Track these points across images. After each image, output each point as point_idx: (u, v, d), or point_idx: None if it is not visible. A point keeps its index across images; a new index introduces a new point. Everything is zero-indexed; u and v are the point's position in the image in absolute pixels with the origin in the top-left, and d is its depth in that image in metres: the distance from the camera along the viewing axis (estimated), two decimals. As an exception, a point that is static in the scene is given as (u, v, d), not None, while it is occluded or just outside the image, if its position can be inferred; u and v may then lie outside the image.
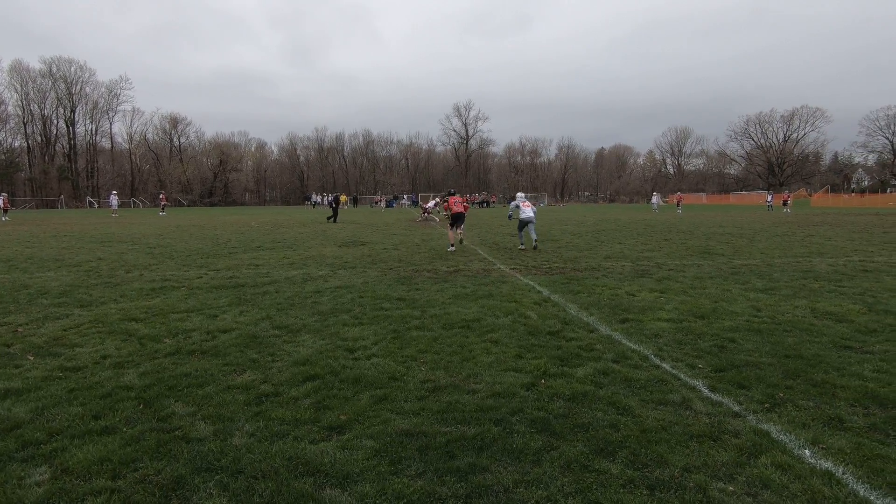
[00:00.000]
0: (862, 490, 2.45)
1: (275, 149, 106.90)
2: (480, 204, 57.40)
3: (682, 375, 3.99)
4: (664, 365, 4.23)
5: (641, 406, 3.41)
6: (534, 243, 12.78)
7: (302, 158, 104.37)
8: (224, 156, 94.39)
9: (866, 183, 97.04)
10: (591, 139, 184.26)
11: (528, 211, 13.05)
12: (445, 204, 15.70)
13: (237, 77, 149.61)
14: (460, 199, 14.22)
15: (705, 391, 3.68)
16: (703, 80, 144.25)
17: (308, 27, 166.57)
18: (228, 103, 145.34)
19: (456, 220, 13.30)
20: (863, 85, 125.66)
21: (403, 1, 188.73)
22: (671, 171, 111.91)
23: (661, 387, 3.76)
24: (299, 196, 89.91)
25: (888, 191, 74.04)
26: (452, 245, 13.00)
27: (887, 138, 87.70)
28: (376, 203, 60.18)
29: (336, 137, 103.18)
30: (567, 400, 3.53)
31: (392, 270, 9.48)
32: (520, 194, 13.84)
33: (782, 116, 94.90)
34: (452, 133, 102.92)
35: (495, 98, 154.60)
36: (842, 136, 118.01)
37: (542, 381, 3.89)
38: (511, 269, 9.74)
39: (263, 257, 11.50)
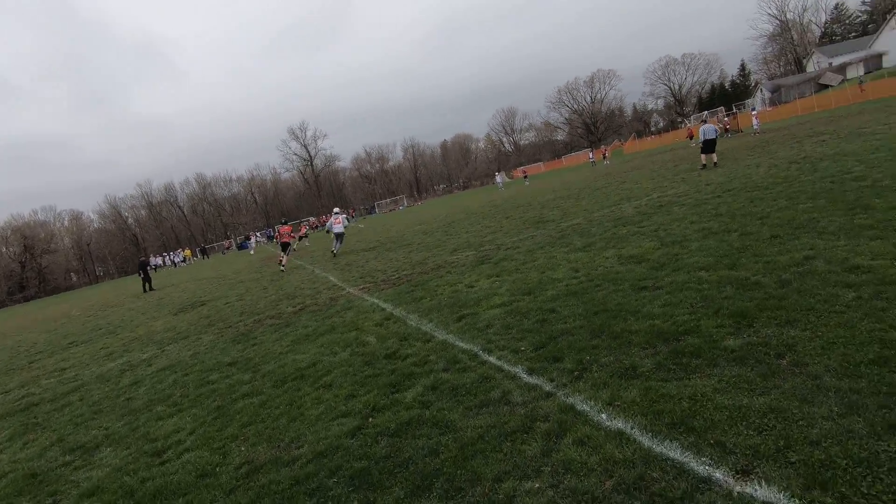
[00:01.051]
0: (647, 441, 2.58)
1: (94, 217, 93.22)
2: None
3: (505, 366, 4.03)
4: (490, 359, 4.26)
5: (463, 417, 3.33)
6: (333, 252, 16.52)
7: (131, 220, 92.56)
8: (28, 239, 79.95)
9: (661, 125, 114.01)
10: (433, 134, 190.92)
11: (338, 227, 16.56)
12: (276, 234, 19.36)
13: (22, 147, 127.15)
14: (287, 230, 17.57)
15: (524, 376, 3.75)
16: (516, 59, 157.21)
17: (93, 75, 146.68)
18: (19, 178, 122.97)
19: (283, 247, 16.81)
20: (641, 42, 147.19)
21: (198, 31, 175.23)
22: (509, 148, 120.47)
23: (484, 386, 3.74)
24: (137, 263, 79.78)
25: (678, 127, 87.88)
26: (282, 265, 16.20)
27: (665, 84, 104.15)
28: (226, 249, 55.62)
29: (166, 189, 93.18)
30: (392, 436, 3.32)
31: (231, 328, 8.58)
32: (336, 210, 17.37)
33: (585, 82, 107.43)
34: (294, 157, 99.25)
35: (330, 112, 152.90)
36: (635, 90, 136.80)
37: (370, 419, 3.65)
38: (360, 289, 9.43)
39: (75, 356, 9.70)
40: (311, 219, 46.94)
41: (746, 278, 4.71)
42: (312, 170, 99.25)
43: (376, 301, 7.90)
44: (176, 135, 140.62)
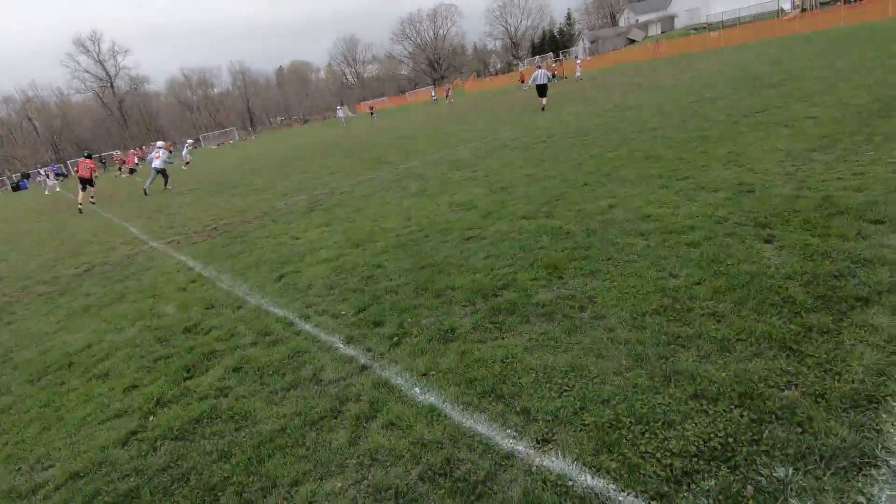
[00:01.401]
0: (457, 416, 2.47)
1: None
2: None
3: (322, 335, 3.66)
4: (307, 327, 3.84)
5: (267, 405, 2.91)
6: (144, 189, 16.07)
7: None
8: None
9: (499, 66, 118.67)
10: (265, 60, 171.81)
11: (157, 162, 16.29)
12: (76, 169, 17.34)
13: None
14: (89, 164, 15.50)
15: (341, 346, 3.43)
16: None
17: None
18: None
19: (83, 183, 15.11)
20: None
21: None
22: (352, 80, 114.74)
23: (295, 362, 3.34)
24: None
25: (514, 69, 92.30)
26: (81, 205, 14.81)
27: (503, 26, 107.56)
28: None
29: None
30: (175, 439, 2.76)
31: (-18, 301, 6.68)
32: (158, 143, 17.48)
33: (427, 15, 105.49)
34: (86, 76, 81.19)
35: (130, 26, 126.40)
36: (475, 28, 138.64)
37: (152, 417, 3.02)
38: (167, 242, 8.06)
39: None
40: (133, 151, 38.94)
41: (560, 227, 4.94)
42: (114, 93, 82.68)
43: (184, 258, 6.79)
44: None
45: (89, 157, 16.23)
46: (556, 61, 59.40)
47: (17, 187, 42.56)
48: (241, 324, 4.15)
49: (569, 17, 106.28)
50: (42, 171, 46.49)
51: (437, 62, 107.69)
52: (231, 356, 3.60)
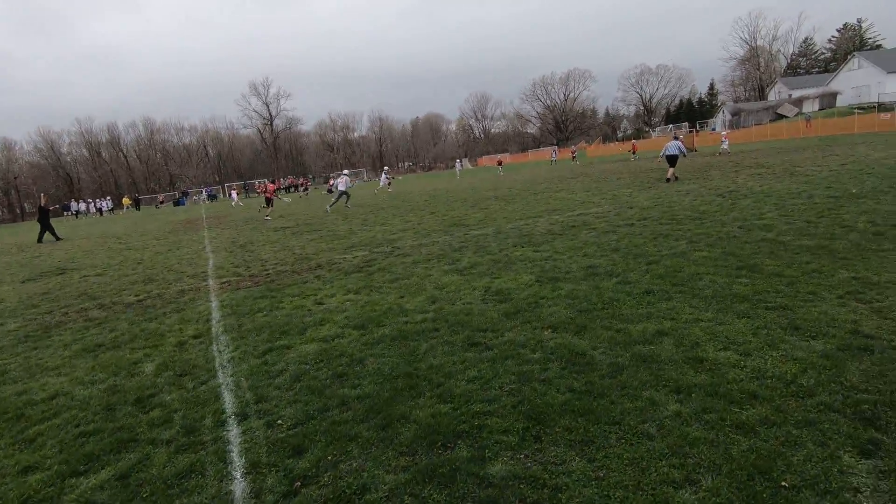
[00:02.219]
0: None
1: (26, 148, 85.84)
2: (287, 189, 53.05)
3: (234, 451, 3.05)
4: (233, 433, 3.27)
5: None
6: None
7: (67, 158, 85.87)
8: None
9: (629, 131, 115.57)
10: (403, 109, 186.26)
11: (341, 185, 20.27)
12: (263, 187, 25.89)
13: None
14: (272, 187, 22.41)
15: (237, 478, 2.78)
16: (492, 48, 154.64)
17: None
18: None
19: (267, 202, 20.87)
20: (617, 46, 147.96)
21: None
22: (479, 135, 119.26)
23: (180, 487, 2.75)
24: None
25: (642, 137, 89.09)
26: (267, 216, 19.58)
27: (637, 92, 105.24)
28: (160, 203, 52.16)
29: (108, 129, 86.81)
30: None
31: (34, 320, 7.19)
32: (344, 171, 21.78)
33: (560, 78, 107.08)
34: (254, 114, 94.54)
35: (295, 73, 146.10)
36: (607, 93, 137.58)
37: (-1, 525, 2.61)
38: (222, 282, 8.25)
39: None
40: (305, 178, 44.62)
41: (583, 353, 3.90)
42: (272, 130, 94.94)
43: (215, 305, 6.77)
44: (125, 73, 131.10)
45: (273, 181, 22.48)
46: (690, 131, 55.92)
47: (177, 203, 49.88)
48: (184, 407, 3.72)
49: (711, 87, 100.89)
50: (204, 191, 54.15)
51: (563, 123, 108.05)
52: (137, 452, 3.14)
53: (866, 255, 5.71)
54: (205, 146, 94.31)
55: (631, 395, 3.19)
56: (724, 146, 28.70)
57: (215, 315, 6.24)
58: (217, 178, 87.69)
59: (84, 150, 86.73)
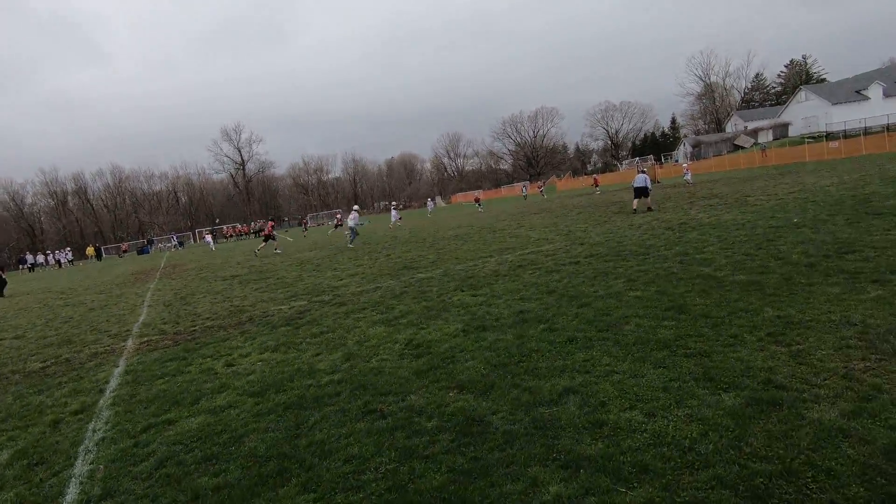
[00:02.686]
0: None
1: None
2: (256, 234, 51.96)
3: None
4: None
5: None
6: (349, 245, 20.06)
7: (28, 210, 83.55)
8: None
9: (598, 164, 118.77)
10: (375, 149, 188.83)
11: (351, 221, 20.80)
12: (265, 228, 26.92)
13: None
14: (271, 224, 25.46)
15: None
16: (460, 87, 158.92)
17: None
18: None
19: (265, 238, 23.01)
20: (583, 84, 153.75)
21: (122, 13, 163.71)
22: (452, 173, 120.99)
23: None
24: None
25: (612, 170, 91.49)
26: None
27: (604, 127, 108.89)
28: (123, 252, 50.77)
29: (74, 178, 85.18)
30: None
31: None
32: (355, 207, 21.89)
33: (529, 116, 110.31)
34: (226, 159, 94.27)
35: (266, 119, 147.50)
36: (575, 129, 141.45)
37: None
38: (141, 342, 7.67)
39: None
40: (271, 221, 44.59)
41: (483, 417, 3.53)
42: (244, 174, 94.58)
43: (120, 370, 6.20)
44: (91, 121, 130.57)
45: (272, 219, 25.67)
46: (653, 164, 57.64)
47: (141, 251, 48.54)
48: (14, 510, 3.19)
49: (673, 121, 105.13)
50: (174, 238, 52.96)
51: (534, 159, 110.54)
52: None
53: (795, 289, 5.55)
54: (175, 192, 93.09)
55: (515, 473, 2.81)
56: (687, 177, 29.40)
57: (113, 384, 5.69)
58: (189, 224, 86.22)
59: (49, 200, 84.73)
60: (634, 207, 17.25)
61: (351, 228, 20.74)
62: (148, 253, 47.58)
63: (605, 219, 16.73)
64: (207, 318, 8.90)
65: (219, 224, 71.68)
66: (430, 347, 5.36)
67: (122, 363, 6.59)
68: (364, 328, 6.58)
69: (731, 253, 8.00)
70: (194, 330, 8.06)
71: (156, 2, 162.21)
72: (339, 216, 38.51)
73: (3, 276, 21.30)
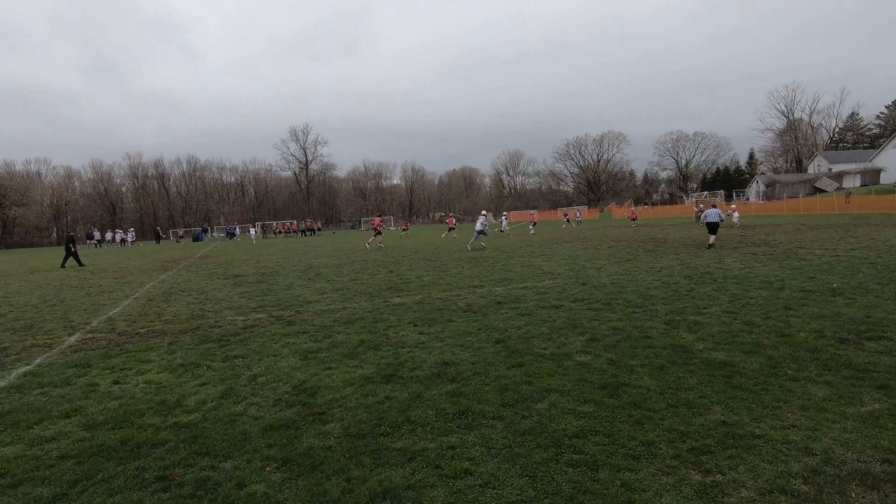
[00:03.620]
0: None
1: (81, 178, 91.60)
2: (304, 232, 53.29)
3: None
4: None
5: None
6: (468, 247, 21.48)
7: (113, 190, 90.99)
8: (3, 188, 78.31)
9: (665, 196, 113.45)
10: (435, 162, 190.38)
11: (478, 225, 21.50)
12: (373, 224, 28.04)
13: (27, 96, 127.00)
14: (379, 221, 27.00)
15: None
16: (526, 108, 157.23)
17: (108, 40, 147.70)
18: (16, 126, 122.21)
19: (375, 232, 26.06)
20: (648, 113, 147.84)
21: (217, 18, 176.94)
22: (509, 191, 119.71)
23: None
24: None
25: (677, 202, 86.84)
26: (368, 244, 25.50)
27: (673, 157, 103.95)
28: (180, 237, 53.69)
29: (155, 164, 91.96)
30: None
31: None
32: (483, 212, 22.54)
33: (594, 140, 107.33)
34: (291, 158, 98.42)
35: (333, 123, 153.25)
36: (642, 156, 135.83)
37: None
38: (86, 339, 7.49)
39: None
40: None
41: (258, 516, 2.77)
42: (307, 174, 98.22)
43: (14, 373, 5.93)
44: (176, 114, 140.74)
45: (380, 216, 29.01)
46: (711, 199, 53.83)
47: (196, 238, 51.13)
48: None
49: (751, 156, 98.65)
50: (228, 229, 55.51)
51: (595, 184, 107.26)
52: None
53: (771, 384, 4.35)
54: (242, 186, 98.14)
55: None
56: (735, 218, 27.05)
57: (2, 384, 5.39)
58: (253, 217, 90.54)
59: (132, 182, 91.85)
60: (711, 243, 16.79)
61: (479, 231, 21.36)
62: (202, 241, 50.01)
63: (632, 256, 15.33)
64: (165, 321, 8.65)
65: (282, 220, 74.60)
66: (313, 396, 4.64)
67: (36, 361, 6.35)
68: (277, 359, 5.96)
69: (731, 319, 6.72)
70: (137, 332, 7.79)
71: (242, 3, 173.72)
72: (450, 220, 38.51)
73: (73, 249, 22.90)
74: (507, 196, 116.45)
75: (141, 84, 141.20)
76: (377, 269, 15.07)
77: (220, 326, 7.96)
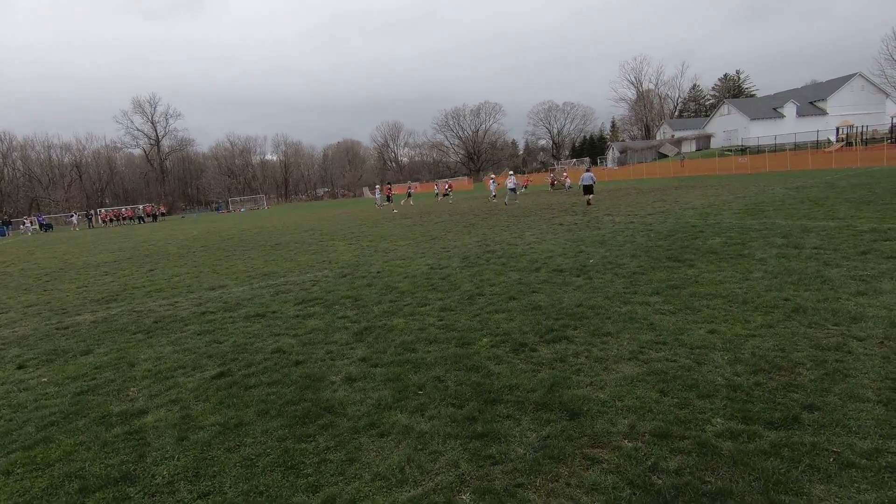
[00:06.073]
0: None
1: None
2: (141, 219, 45.94)
3: None
4: None
5: None
6: (505, 202, 23.15)
7: None
8: None
9: (540, 164, 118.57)
10: (313, 135, 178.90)
11: (510, 184, 24.04)
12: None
13: None
14: (388, 188, 32.10)
15: None
16: (404, 75, 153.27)
17: None
18: None
19: (387, 198, 31.26)
20: (521, 83, 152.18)
21: None
22: (390, 163, 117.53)
23: None
24: None
25: (548, 169, 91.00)
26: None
27: (546, 127, 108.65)
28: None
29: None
30: None
31: None
32: (510, 172, 25.75)
33: (472, 110, 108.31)
34: (138, 133, 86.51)
35: (190, 91, 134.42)
36: (517, 126, 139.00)
37: None
38: None
39: None
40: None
41: None
42: (158, 151, 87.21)
43: None
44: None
45: (389, 184, 32.99)
46: (552, 168, 56.82)
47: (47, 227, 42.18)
48: None
49: (613, 125, 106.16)
50: (36, 219, 46.78)
51: (475, 154, 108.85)
52: None
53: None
54: (77, 167, 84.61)
55: None
56: (567, 183, 28.28)
57: None
58: (98, 201, 78.39)
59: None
60: (588, 201, 18.81)
61: (511, 189, 23.88)
62: (4, 235, 41.45)
63: (443, 233, 14.36)
64: (46, 308, 5.64)
65: (136, 204, 64.96)
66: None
67: None
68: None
69: (436, 320, 5.62)
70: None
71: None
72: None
73: None
74: (389, 168, 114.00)
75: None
76: (214, 260, 12.43)
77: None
